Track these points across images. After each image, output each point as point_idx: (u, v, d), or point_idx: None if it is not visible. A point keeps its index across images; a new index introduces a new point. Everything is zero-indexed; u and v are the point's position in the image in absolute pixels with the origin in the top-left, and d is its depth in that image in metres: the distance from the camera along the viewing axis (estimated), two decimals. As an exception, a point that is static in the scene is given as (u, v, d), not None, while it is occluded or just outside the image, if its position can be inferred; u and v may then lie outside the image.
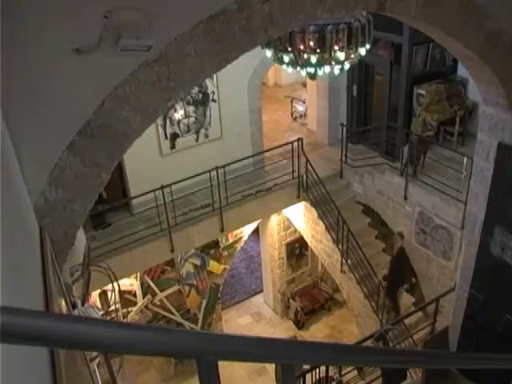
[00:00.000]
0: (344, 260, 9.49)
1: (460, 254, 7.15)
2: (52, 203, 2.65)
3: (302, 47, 5.99)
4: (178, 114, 9.30)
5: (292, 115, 13.42)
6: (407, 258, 9.35)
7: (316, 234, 10.33)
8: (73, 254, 2.96)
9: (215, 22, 2.79)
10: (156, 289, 10.22)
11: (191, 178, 8.60)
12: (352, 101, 10.98)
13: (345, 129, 10.03)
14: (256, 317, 13.13)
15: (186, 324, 10.82)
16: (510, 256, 4.95)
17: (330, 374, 7.10)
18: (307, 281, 13.09)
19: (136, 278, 9.86)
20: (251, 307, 13.43)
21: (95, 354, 2.84)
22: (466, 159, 8.15)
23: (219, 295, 11.36)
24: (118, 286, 3.95)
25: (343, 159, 10.15)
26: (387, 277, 9.08)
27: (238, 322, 12.84)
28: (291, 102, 13.49)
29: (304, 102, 13.17)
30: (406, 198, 9.11)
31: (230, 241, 11.03)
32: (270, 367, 9.74)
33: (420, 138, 9.32)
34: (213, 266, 10.84)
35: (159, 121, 8.91)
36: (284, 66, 6.42)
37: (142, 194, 8.29)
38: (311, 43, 5.94)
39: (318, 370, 6.63)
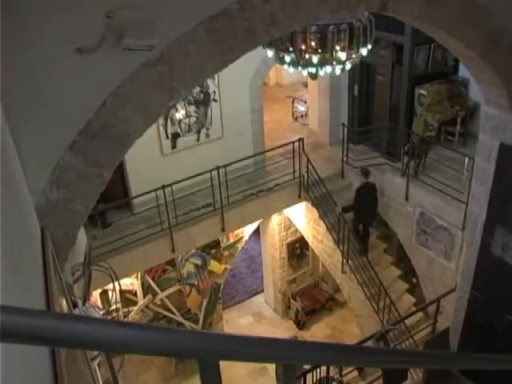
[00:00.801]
0: (345, 260, 9.49)
1: (461, 255, 7.14)
2: (53, 203, 2.65)
3: (303, 47, 6.00)
4: (180, 114, 9.31)
5: (293, 115, 13.41)
6: (373, 196, 9.26)
7: (317, 235, 10.33)
8: (74, 254, 2.96)
9: (217, 22, 2.79)
10: (157, 288, 10.23)
11: (192, 177, 8.61)
12: (353, 101, 10.98)
13: (346, 129, 10.04)
14: (257, 317, 13.13)
15: (187, 324, 10.82)
16: (511, 256, 4.95)
17: (331, 374, 7.09)
18: (308, 281, 13.09)
19: (137, 277, 9.86)
20: (252, 307, 13.43)
21: (96, 353, 2.84)
22: (467, 159, 8.14)
23: (220, 295, 11.36)
24: (119, 285, 3.95)
25: (344, 159, 10.15)
26: (354, 217, 9.29)
27: (239, 321, 12.84)
28: (292, 101, 13.48)
29: (305, 102, 13.16)
30: (407, 198, 9.11)
31: (231, 240, 11.04)
32: (271, 367, 9.73)
33: (422, 139, 9.32)
34: (214, 265, 10.84)
35: (160, 120, 8.91)
36: (285, 66, 6.42)
37: (143, 194, 8.30)
38: (313, 43, 5.94)
39: (318, 370, 6.63)
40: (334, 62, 6.13)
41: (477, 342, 5.59)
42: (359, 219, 9.38)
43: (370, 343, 6.91)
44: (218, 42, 2.84)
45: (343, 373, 7.25)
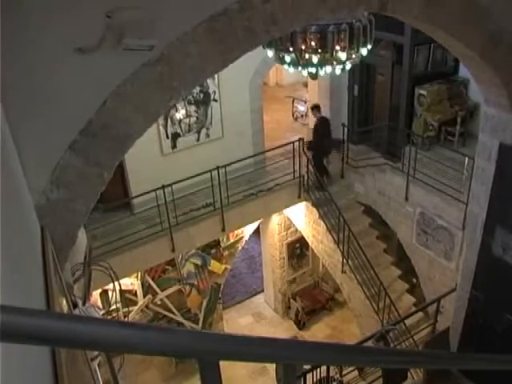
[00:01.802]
0: (345, 260, 9.49)
1: (461, 255, 7.14)
2: (54, 202, 2.65)
3: (303, 47, 6.00)
4: (180, 114, 9.31)
5: (293, 115, 13.41)
6: (328, 130, 9.89)
7: (317, 235, 10.33)
8: (74, 254, 2.96)
9: (217, 22, 2.79)
10: (157, 288, 10.23)
11: (192, 177, 8.61)
12: (353, 101, 10.98)
13: (346, 129, 10.04)
14: (257, 317, 13.12)
15: (187, 324, 10.82)
16: (511, 256, 4.95)
17: (331, 374, 7.09)
18: (308, 281, 13.09)
19: (137, 277, 9.86)
20: (252, 307, 13.42)
21: (96, 353, 2.84)
22: (467, 160, 8.14)
23: (220, 295, 11.36)
24: (119, 285, 3.95)
25: (344, 159, 10.15)
26: (311, 147, 9.82)
27: (239, 321, 12.83)
28: (292, 101, 13.48)
29: (305, 102, 13.16)
30: (407, 198, 9.11)
31: (231, 240, 11.04)
32: (271, 367, 9.73)
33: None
34: (214, 265, 10.84)
35: (160, 120, 8.91)
36: (285, 66, 6.42)
37: (143, 194, 8.30)
38: (313, 43, 5.94)
39: (318, 370, 6.63)
40: (334, 62, 6.13)
41: (477, 341, 5.59)
42: (319, 151, 9.76)
43: (370, 343, 6.91)
44: (218, 41, 2.84)
45: (343, 373, 7.25)
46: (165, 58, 2.72)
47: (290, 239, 12.25)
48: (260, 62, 9.54)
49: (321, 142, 9.75)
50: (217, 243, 10.68)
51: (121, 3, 2.48)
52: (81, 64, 2.52)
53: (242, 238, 11.20)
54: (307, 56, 6.05)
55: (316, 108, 9.91)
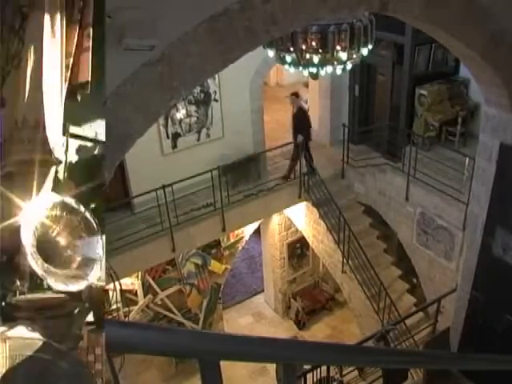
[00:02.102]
0: (345, 260, 9.49)
1: (461, 255, 7.14)
2: (54, 202, 2.65)
3: (304, 47, 5.99)
4: (180, 114, 9.30)
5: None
6: (306, 115, 10.07)
7: (317, 234, 10.32)
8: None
9: (218, 22, 2.79)
10: (157, 288, 10.23)
11: (192, 177, 8.61)
12: (354, 101, 10.97)
13: (346, 129, 10.03)
14: (257, 317, 13.12)
15: (187, 324, 10.82)
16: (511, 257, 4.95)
17: (331, 374, 7.09)
18: (308, 281, 13.09)
19: (137, 277, 9.86)
20: (252, 307, 13.42)
21: (96, 353, 2.84)
22: (467, 160, 8.13)
23: (220, 295, 11.36)
24: (120, 285, 3.96)
25: (345, 159, 10.15)
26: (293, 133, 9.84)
27: (239, 321, 12.83)
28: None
29: (306, 102, 13.14)
30: (407, 198, 9.10)
31: (232, 240, 11.03)
32: (271, 367, 9.71)
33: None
34: (214, 265, 10.84)
35: (161, 120, 8.91)
36: (286, 66, 6.42)
37: (144, 194, 8.30)
38: (313, 43, 5.94)
39: (318, 370, 6.63)
40: (335, 62, 6.13)
41: (477, 342, 5.59)
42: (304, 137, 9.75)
43: (370, 343, 6.91)
44: (219, 41, 2.84)
45: (343, 373, 7.25)
46: (165, 57, 2.72)
47: (290, 239, 12.24)
48: (260, 61, 9.53)
49: (300, 131, 9.71)
50: (217, 243, 10.68)
51: (121, 3, 2.48)
52: (81, 64, 2.52)
53: (242, 237, 11.20)
54: (308, 56, 6.05)
55: (295, 94, 9.85)
